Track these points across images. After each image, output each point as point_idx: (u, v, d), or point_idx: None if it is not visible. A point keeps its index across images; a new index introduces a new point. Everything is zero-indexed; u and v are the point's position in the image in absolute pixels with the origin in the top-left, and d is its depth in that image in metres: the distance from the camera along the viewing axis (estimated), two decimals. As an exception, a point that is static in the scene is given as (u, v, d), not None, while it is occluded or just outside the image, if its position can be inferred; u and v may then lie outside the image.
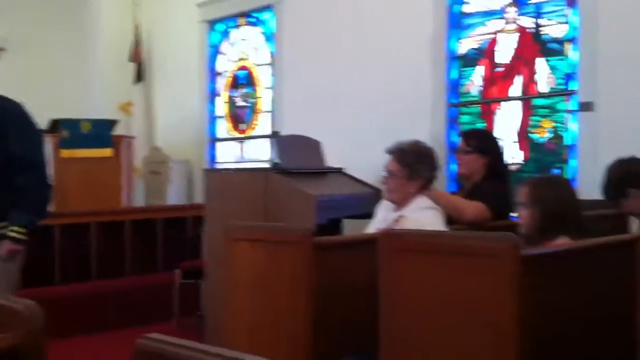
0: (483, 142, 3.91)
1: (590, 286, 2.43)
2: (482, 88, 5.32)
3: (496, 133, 5.01)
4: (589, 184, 4.46)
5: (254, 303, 2.81)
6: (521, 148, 5.11)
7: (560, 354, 2.32)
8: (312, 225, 3.81)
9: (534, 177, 3.37)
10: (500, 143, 4.11)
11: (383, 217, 3.44)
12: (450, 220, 3.49)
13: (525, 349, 2.14)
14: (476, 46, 5.35)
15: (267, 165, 6.32)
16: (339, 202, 4.35)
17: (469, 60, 5.39)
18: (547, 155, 4.98)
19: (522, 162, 5.10)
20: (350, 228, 4.48)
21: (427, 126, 5.34)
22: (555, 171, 4.88)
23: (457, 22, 5.43)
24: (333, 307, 2.77)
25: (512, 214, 3.52)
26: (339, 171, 4.83)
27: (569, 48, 4.83)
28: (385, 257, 2.46)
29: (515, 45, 5.13)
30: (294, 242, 2.68)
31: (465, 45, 5.40)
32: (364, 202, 4.27)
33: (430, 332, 2.33)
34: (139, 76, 7.96)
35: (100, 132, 6.73)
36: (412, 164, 3.32)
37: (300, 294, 2.65)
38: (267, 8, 6.95)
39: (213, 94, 7.60)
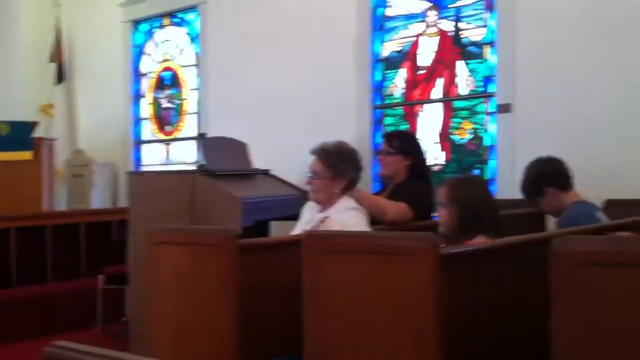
0: (405, 144, 3.98)
1: (508, 284, 2.51)
2: (405, 90, 5.42)
3: (419, 134, 5.12)
4: (508, 184, 4.62)
5: (178, 307, 2.79)
6: (443, 149, 5.23)
7: (480, 351, 2.39)
8: (237, 228, 3.82)
9: (452, 178, 3.46)
10: (422, 144, 4.20)
11: (308, 218, 3.47)
12: (374, 220, 3.54)
13: (446, 346, 2.19)
14: (399, 49, 5.45)
15: (193, 167, 6.27)
16: (266, 204, 4.35)
17: (392, 63, 5.48)
18: (467, 156, 5.11)
19: (444, 163, 5.22)
20: (278, 230, 4.50)
21: (352, 128, 5.41)
22: (476, 172, 5.02)
23: (381, 25, 5.52)
24: (260, 310, 2.78)
25: (433, 214, 3.60)
26: (265, 173, 4.84)
27: (487, 51, 4.98)
28: (308, 258, 2.49)
29: (436, 49, 5.25)
30: (217, 245, 2.67)
31: (389, 48, 5.49)
32: (291, 203, 4.29)
33: (354, 332, 2.36)
34: (60, 77, 7.78)
35: (20, 134, 6.53)
36: (336, 164, 3.36)
37: (225, 296, 2.65)
38: (191, 8, 6.90)
39: (137, 95, 7.49)
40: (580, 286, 1.85)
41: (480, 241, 2.73)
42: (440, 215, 2.94)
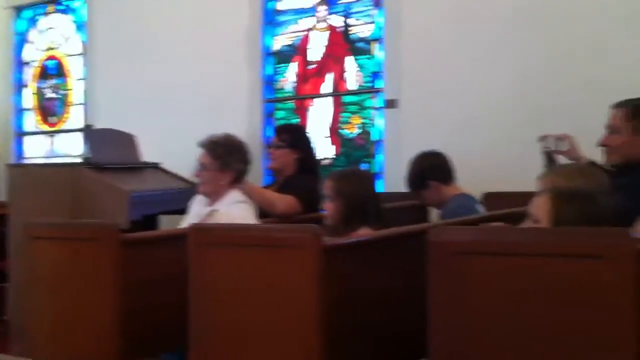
0: (294, 137, 4.02)
1: (392, 274, 2.58)
2: (296, 84, 5.46)
3: (309, 128, 5.17)
4: (395, 178, 4.73)
5: (57, 304, 2.70)
6: (333, 143, 5.30)
7: (364, 341, 2.44)
8: (124, 222, 3.74)
9: (337, 171, 3.52)
10: (312, 138, 4.25)
11: (197, 211, 3.44)
12: (263, 213, 3.56)
13: (330, 338, 2.23)
14: (290, 43, 5.47)
15: (78, 160, 6.07)
16: (155, 198, 4.28)
17: (283, 56, 5.50)
18: (356, 150, 5.21)
19: (334, 157, 5.29)
20: (168, 224, 4.43)
21: (243, 121, 5.39)
22: (364, 166, 5.12)
23: (272, 19, 5.53)
24: (145, 305, 2.73)
25: (321, 207, 3.65)
26: (155, 166, 4.75)
27: (375, 47, 5.08)
28: (194, 251, 2.47)
29: (326, 44, 5.31)
30: (97, 239, 2.61)
31: (280, 41, 5.51)
32: (181, 197, 4.22)
33: (239, 326, 2.36)
34: None
35: None
36: (224, 156, 3.35)
37: (105, 292, 2.59)
38: (77, -4, 6.68)
39: (20, 84, 7.17)
40: (455, 274, 1.92)
41: (364, 233, 2.79)
42: (326, 208, 2.98)
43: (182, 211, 3.72)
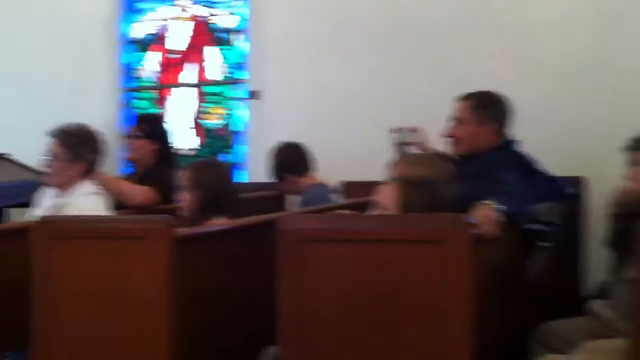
0: (153, 128, 3.93)
1: (246, 264, 2.58)
2: (157, 74, 5.34)
3: (171, 119, 5.07)
4: (258, 168, 4.74)
5: None
6: (197, 134, 5.23)
7: (216, 334, 2.42)
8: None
9: (193, 161, 3.48)
10: (170, 129, 4.17)
11: (47, 204, 3.29)
12: (120, 205, 3.46)
13: (182, 331, 2.19)
14: (151, 31, 5.34)
15: None
16: (1, 191, 4.07)
17: (144, 45, 5.36)
18: (219, 141, 5.17)
19: (198, 148, 5.23)
20: (17, 217, 4.21)
21: (100, 110, 5.21)
22: (227, 156, 5.09)
23: (131, 6, 5.37)
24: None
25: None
26: (2, 157, 4.49)
27: (239, 38, 5.05)
28: (38, 245, 2.35)
29: (189, 33, 5.23)
30: None
31: (140, 29, 5.36)
32: (30, 189, 4.03)
33: (85, 323, 2.26)
34: None
35: None
36: (75, 146, 3.21)
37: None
38: None
39: None
40: (302, 262, 1.95)
41: (219, 222, 2.77)
42: (182, 198, 2.94)
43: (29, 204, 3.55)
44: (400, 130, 3.37)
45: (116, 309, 2.25)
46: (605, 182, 3.19)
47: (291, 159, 3.77)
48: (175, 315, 2.19)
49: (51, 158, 3.24)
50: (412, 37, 4.38)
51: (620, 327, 2.17)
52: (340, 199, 3.72)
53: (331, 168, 4.04)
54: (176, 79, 5.29)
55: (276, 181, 3.86)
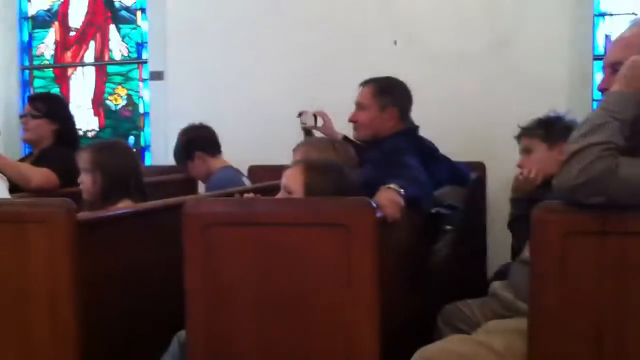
0: (52, 107, 3.78)
1: (152, 249, 2.53)
2: (55, 52, 5.14)
3: (71, 99, 4.91)
4: (162, 151, 4.66)
5: None
6: (97, 114, 5.09)
7: (122, 321, 2.38)
8: None
9: (94, 143, 3.38)
10: (73, 109, 4.03)
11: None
12: (17, 188, 3.32)
13: (85, 319, 2.13)
14: (48, 8, 5.14)
15: None
16: None
17: (41, 22, 5.15)
18: (123, 123, 5.04)
19: (99, 129, 5.08)
20: None
21: (-2, 89, 4.99)
22: (131, 138, 4.98)
23: (28, -19, 5.15)
24: None
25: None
26: None
27: (140, 17, 4.93)
28: None
29: (87, 10, 5.06)
30: None
31: (37, 6, 5.15)
32: None
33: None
34: None
35: None
36: None
37: None
38: None
39: None
40: (208, 245, 1.94)
41: (125, 205, 2.71)
42: (82, 181, 2.85)
43: None
44: (304, 114, 3.39)
45: (14, 295, 2.17)
46: (504, 168, 3.33)
47: (202, 138, 3.72)
48: (78, 303, 2.13)
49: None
50: (314, 21, 4.38)
51: (518, 307, 2.26)
52: (250, 184, 3.70)
53: (236, 152, 4.02)
54: (76, 57, 5.11)
55: (183, 162, 3.80)
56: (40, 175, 3.41)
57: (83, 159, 2.83)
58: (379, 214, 1.95)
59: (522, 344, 1.93)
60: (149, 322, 2.50)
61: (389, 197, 2.16)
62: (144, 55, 4.91)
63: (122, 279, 2.38)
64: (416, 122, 3.02)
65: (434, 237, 2.65)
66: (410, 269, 2.54)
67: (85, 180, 2.82)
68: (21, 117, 3.86)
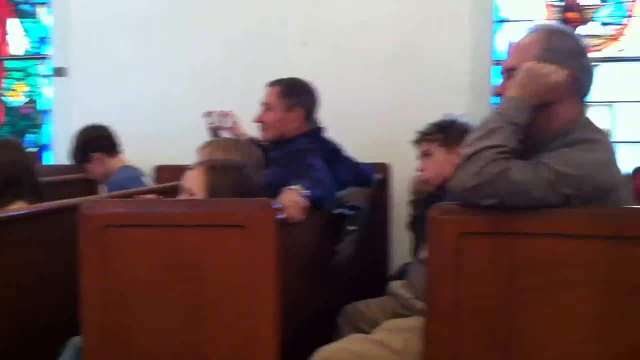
0: None
1: (48, 251, 2.45)
2: (-49, 45, 4.91)
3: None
4: (64, 149, 4.51)
5: None
6: (-6, 111, 4.89)
7: (15, 327, 2.29)
8: None
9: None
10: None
11: None
12: None
13: None
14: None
15: None
16: None
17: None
18: (22, 120, 4.86)
19: (-3, 126, 4.89)
20: None
21: None
22: (31, 136, 4.81)
23: None
24: None
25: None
26: None
27: (43, 12, 4.77)
28: None
29: (-13, 2, 4.86)
30: None
31: None
32: None
33: None
34: None
35: None
36: None
37: None
38: None
39: None
40: (105, 247, 1.89)
41: (17, 207, 2.61)
42: None
43: None
44: (211, 114, 3.36)
45: None
46: (407, 169, 3.39)
47: (99, 138, 3.64)
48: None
49: None
50: (221, 21, 4.35)
51: (416, 306, 2.31)
52: (151, 183, 3.64)
53: (141, 151, 3.94)
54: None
55: (81, 163, 3.70)
56: None
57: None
58: (280, 215, 1.94)
59: (419, 343, 1.97)
60: (44, 327, 2.41)
61: (292, 198, 2.16)
62: (46, 51, 4.75)
63: (15, 282, 2.29)
64: (323, 123, 3.04)
65: (337, 237, 2.67)
66: (313, 269, 2.55)
67: (-25, 180, 2.69)
68: None
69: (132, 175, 3.57)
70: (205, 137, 3.27)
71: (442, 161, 2.58)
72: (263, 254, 1.86)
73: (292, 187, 2.23)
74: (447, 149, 2.60)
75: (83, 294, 1.92)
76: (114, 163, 3.62)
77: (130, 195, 2.76)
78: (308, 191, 2.23)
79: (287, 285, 1.93)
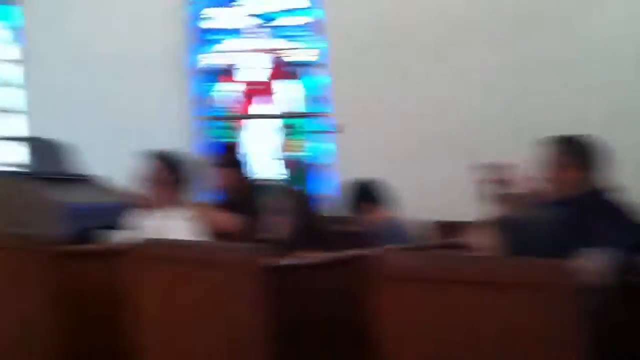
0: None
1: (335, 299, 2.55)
2: (234, 104, 5.48)
3: (248, 149, 5.14)
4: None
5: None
6: (287, 165, 5.32)
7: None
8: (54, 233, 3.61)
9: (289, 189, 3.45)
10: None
11: (146, 226, 3.33)
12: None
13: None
14: (221, 62, 5.50)
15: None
16: (85, 212, 4.15)
17: (215, 75, 5.51)
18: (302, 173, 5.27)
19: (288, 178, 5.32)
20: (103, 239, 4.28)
21: (172, 138, 5.27)
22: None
23: (200, 37, 5.49)
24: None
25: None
26: (85, 179, 4.57)
27: (315, 72, 5.16)
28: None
29: (266, 65, 5.35)
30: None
31: (210, 61, 5.50)
32: (117, 211, 4.10)
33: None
34: None
35: None
36: (179, 171, 3.30)
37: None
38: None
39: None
40: (403, 300, 1.90)
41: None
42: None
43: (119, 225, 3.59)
44: (486, 167, 3.28)
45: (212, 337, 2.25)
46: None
47: (368, 191, 3.76)
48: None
49: (153, 181, 3.31)
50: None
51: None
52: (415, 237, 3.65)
53: (413, 206, 3.99)
54: (250, 109, 5.42)
55: (352, 213, 3.83)
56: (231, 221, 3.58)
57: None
58: (578, 279, 1.82)
59: None
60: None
61: (592, 263, 2.03)
62: (321, 108, 5.15)
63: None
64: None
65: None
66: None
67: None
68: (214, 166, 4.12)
69: (398, 227, 3.61)
70: (477, 192, 3.20)
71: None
72: (561, 318, 1.74)
73: (592, 250, 2.08)
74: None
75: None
76: (382, 214, 3.69)
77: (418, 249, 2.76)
78: (609, 256, 2.08)
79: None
